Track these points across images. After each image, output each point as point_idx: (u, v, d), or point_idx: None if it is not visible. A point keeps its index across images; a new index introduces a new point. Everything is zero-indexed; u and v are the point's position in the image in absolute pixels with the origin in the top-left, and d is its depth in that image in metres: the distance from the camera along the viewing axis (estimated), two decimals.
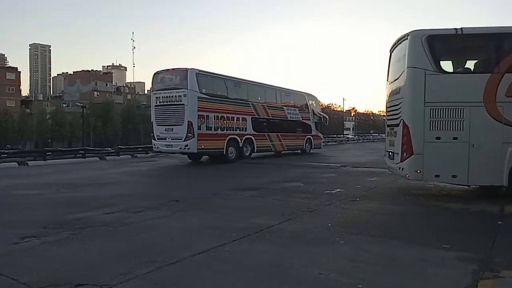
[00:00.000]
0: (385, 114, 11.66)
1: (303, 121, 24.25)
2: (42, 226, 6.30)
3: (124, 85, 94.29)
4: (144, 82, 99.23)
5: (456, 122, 8.49)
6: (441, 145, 8.51)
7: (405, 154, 8.88)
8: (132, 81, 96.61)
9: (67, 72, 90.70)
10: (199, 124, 16.59)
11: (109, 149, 25.42)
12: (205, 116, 16.91)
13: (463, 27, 8.64)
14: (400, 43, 9.49)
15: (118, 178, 13.27)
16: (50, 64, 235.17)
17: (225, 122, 18.09)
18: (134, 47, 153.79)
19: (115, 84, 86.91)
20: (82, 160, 21.50)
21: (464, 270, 4.39)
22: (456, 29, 8.66)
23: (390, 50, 10.38)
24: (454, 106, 8.51)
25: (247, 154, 19.60)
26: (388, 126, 10.48)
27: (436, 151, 8.54)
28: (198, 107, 16.51)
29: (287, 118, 22.71)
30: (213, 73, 18.29)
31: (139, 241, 5.58)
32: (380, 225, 6.68)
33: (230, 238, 5.61)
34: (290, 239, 5.67)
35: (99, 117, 67.41)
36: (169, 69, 17.81)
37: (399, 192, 10.19)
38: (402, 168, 9.10)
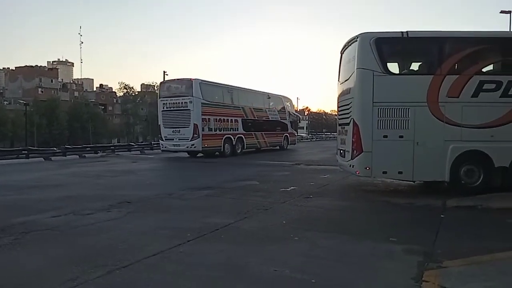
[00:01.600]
0: (336, 114, 12.02)
1: (281, 120, 27.20)
2: None
3: (71, 81, 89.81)
4: (92, 79, 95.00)
5: (402, 121, 8.93)
6: (388, 143, 8.92)
7: (355, 152, 9.22)
8: (79, 78, 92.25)
9: (8, 68, 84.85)
10: (202, 126, 19.26)
11: (55, 149, 24.05)
12: (207, 119, 19.63)
13: (409, 31, 9.09)
14: (350, 45, 9.82)
15: (65, 179, 12.64)
16: None
17: (222, 123, 20.87)
18: (82, 42, 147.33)
19: (61, 80, 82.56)
20: (25, 160, 20.24)
21: (410, 262, 4.62)
22: (402, 32, 9.10)
23: (341, 52, 10.71)
24: (400, 106, 8.94)
25: (238, 151, 22.02)
26: (340, 125, 10.82)
27: (384, 149, 8.94)
28: (201, 112, 19.23)
29: (269, 118, 25.76)
30: (211, 82, 21.28)
31: (88, 245, 5.35)
32: (332, 221, 6.90)
33: (185, 238, 5.53)
34: (245, 238, 5.69)
35: (44, 115, 63.74)
36: (174, 79, 20.89)
37: (350, 188, 10.56)
38: (353, 166, 9.43)
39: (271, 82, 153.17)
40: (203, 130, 19.31)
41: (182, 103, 19.45)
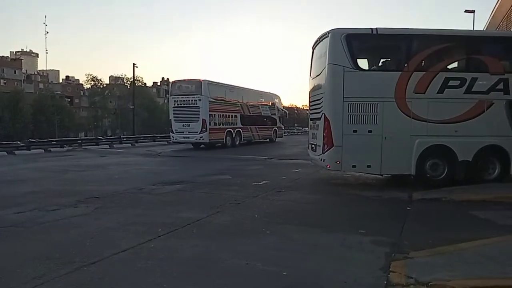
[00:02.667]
0: (308, 108, 12.16)
1: (271, 116, 29.72)
2: None
3: (36, 73, 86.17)
4: (58, 70, 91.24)
5: (371, 116, 9.15)
6: (357, 137, 9.11)
7: (326, 146, 9.36)
8: (44, 69, 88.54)
9: None
10: (209, 121, 21.67)
11: (19, 142, 23.10)
12: (213, 115, 22.10)
13: (378, 28, 9.29)
14: (322, 40, 9.92)
15: (29, 174, 12.18)
16: None
17: (224, 119, 23.36)
18: (47, 32, 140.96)
19: (25, 71, 79.04)
20: None
21: (378, 253, 4.76)
22: (371, 29, 9.28)
23: (313, 47, 10.81)
24: (369, 101, 9.15)
25: (237, 143, 24.34)
26: (311, 119, 10.95)
27: (353, 143, 9.13)
28: (209, 108, 21.67)
29: (261, 114, 28.30)
30: (217, 82, 23.65)
31: (55, 242, 5.20)
32: (303, 214, 6.99)
33: (156, 234, 5.46)
34: (218, 232, 5.68)
35: (7, 107, 60.86)
36: (185, 80, 23.01)
37: (321, 182, 10.74)
38: (324, 160, 9.58)
39: (242, 76, 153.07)
40: (209, 124, 21.71)
41: (192, 100, 21.82)
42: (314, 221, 6.47)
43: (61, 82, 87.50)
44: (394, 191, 9.01)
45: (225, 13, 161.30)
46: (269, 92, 30.68)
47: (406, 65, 9.30)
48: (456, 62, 9.95)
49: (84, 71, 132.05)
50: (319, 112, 9.84)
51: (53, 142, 24.37)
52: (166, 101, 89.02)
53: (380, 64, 10.32)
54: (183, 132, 22.08)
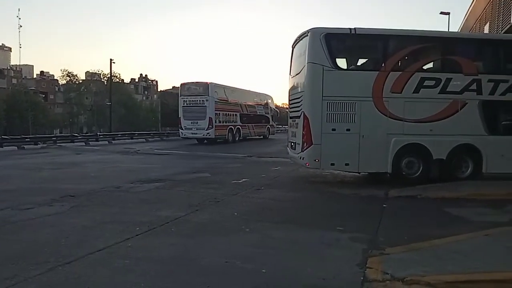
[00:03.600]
0: (287, 107, 12.23)
1: (265, 114, 32.22)
2: None
3: (9, 67, 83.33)
4: (32, 65, 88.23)
5: (349, 115, 9.28)
6: (336, 136, 9.23)
7: (305, 144, 9.45)
8: (18, 64, 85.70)
9: None
10: (215, 119, 24.24)
11: None
12: (218, 114, 24.69)
13: (357, 27, 9.43)
14: (301, 39, 9.99)
15: (1, 172, 11.80)
16: None
17: (227, 117, 25.95)
18: (21, 26, 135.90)
19: None
20: None
21: (356, 250, 4.85)
22: (350, 28, 9.40)
23: (292, 46, 10.87)
24: (347, 100, 9.28)
25: (236, 139, 26.85)
26: (291, 118, 11.02)
27: (332, 142, 9.25)
28: (214, 108, 24.26)
29: (257, 113, 30.86)
30: (221, 84, 26.23)
31: (28, 241, 5.06)
32: (282, 212, 7.04)
33: (133, 232, 5.39)
34: (196, 230, 5.65)
35: None
36: (193, 82, 25.44)
37: (300, 180, 10.82)
38: (303, 158, 9.66)
39: (222, 74, 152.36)
40: (215, 122, 24.28)
41: (200, 100, 24.43)
42: (293, 218, 6.52)
43: (35, 78, 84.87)
44: (371, 188, 9.18)
45: (207, 8, 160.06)
46: (263, 93, 33.49)
47: (383, 65, 9.47)
48: (432, 63, 10.21)
49: (59, 67, 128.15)
50: (298, 111, 9.91)
51: (26, 139, 23.65)
52: (144, 98, 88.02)
53: (358, 63, 10.48)
54: (192, 129, 24.70)
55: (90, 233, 5.42)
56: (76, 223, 5.93)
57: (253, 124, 29.55)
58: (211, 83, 24.70)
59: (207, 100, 24.18)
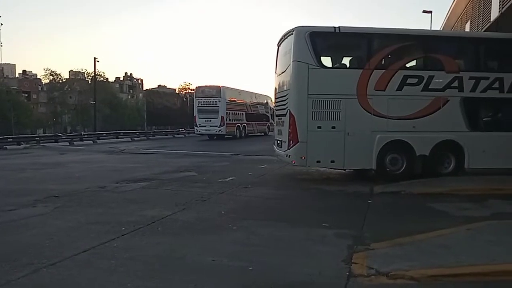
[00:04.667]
0: (274, 105, 12.27)
1: (266, 113, 35.22)
2: None
3: None
4: (14, 64, 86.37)
5: (334, 112, 9.37)
6: (321, 133, 9.31)
7: (291, 142, 9.50)
8: None
9: None
10: (226, 118, 27.67)
11: None
12: (228, 113, 28.10)
13: (341, 26, 9.50)
14: (287, 37, 10.03)
15: None
16: None
17: (235, 116, 29.39)
18: (1, 24, 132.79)
19: None
20: None
21: (341, 246, 4.90)
22: (334, 27, 9.48)
23: (278, 44, 10.90)
24: (333, 98, 9.36)
25: (242, 135, 30.23)
26: (277, 116, 11.07)
27: (318, 139, 9.32)
28: (226, 108, 27.75)
29: (259, 112, 34.27)
30: (231, 88, 30.15)
31: (11, 243, 4.98)
32: (269, 209, 7.08)
33: (119, 232, 5.35)
34: (183, 229, 5.64)
35: None
36: (207, 85, 29.19)
37: (286, 177, 10.88)
38: (289, 155, 9.72)
39: (209, 72, 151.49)
40: (226, 120, 27.69)
41: (213, 101, 27.91)
42: (280, 216, 6.56)
43: (17, 77, 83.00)
44: (357, 185, 9.29)
45: (194, 5, 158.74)
46: (264, 94, 36.86)
47: (367, 63, 9.57)
48: (414, 61, 10.36)
49: (42, 66, 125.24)
50: (284, 109, 9.96)
51: (9, 139, 23.14)
52: (129, 97, 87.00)
53: (342, 61, 10.56)
54: (206, 126, 28.15)
55: (74, 234, 5.36)
56: (60, 224, 5.86)
57: (256, 122, 32.81)
58: (223, 86, 28.61)
59: (219, 101, 27.75)
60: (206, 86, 29.35)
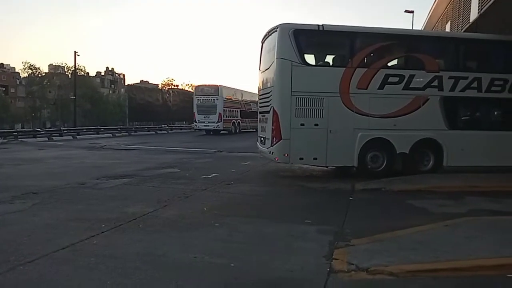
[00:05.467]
0: (258, 102, 12.27)
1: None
2: None
3: None
4: None
5: (317, 110, 9.43)
6: (305, 131, 9.36)
7: (274, 139, 9.53)
8: None
9: None
10: (223, 114, 30.25)
11: None
12: (225, 110, 30.63)
13: (324, 24, 9.55)
14: (271, 34, 10.03)
15: None
16: None
17: (231, 113, 31.76)
18: None
19: None
20: None
21: (322, 242, 4.95)
22: (318, 25, 9.52)
23: (262, 41, 10.89)
24: (316, 95, 9.42)
25: (237, 131, 32.47)
26: (260, 113, 11.08)
27: (301, 136, 9.37)
28: (223, 105, 30.39)
29: (252, 109, 34.37)
30: (228, 87, 32.45)
31: None
32: (252, 206, 7.09)
33: (99, 230, 5.27)
34: (165, 226, 5.60)
35: None
36: (206, 84, 32.05)
37: (269, 174, 10.91)
38: (272, 152, 9.74)
39: (193, 68, 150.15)
40: (223, 116, 30.20)
41: (211, 99, 30.48)
42: (262, 212, 6.58)
43: None
44: (338, 182, 9.39)
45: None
46: (256, 93, 37.75)
47: (349, 61, 9.66)
48: (396, 60, 10.50)
49: (20, 59, 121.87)
50: (268, 106, 9.96)
51: None
52: (110, 92, 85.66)
53: (326, 59, 10.63)
54: (204, 122, 30.74)
55: (53, 231, 5.25)
56: (39, 221, 5.74)
57: (249, 119, 33.97)
58: (220, 85, 31.16)
59: (217, 99, 30.31)
60: (205, 85, 31.98)
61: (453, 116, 10.03)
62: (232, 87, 33.67)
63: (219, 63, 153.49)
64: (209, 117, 30.37)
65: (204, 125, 30.94)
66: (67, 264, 4.13)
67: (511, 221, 6.08)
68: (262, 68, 10.90)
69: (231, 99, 31.97)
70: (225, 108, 30.55)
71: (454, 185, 8.74)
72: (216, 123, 30.22)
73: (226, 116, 30.86)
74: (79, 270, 3.99)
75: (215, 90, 30.84)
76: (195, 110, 31.38)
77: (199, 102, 31.13)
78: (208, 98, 30.80)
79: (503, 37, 10.54)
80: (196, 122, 31.46)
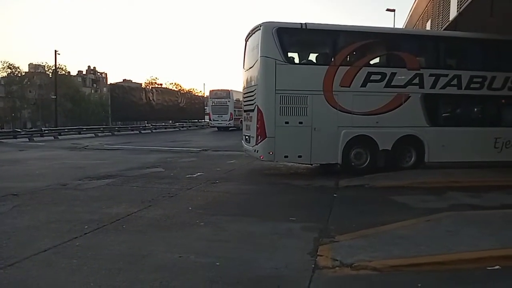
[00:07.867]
0: (242, 100, 12.26)
1: None
2: None
3: None
4: None
5: (301, 108, 9.48)
6: (289, 129, 9.40)
7: (259, 137, 9.54)
8: None
9: None
10: (234, 114, 34.54)
11: None
12: (235, 110, 33.90)
13: (307, 23, 9.60)
14: (254, 33, 10.02)
15: None
16: None
17: (240, 112, 33.88)
18: None
19: None
20: None
21: (307, 239, 4.99)
22: (301, 23, 9.56)
23: (246, 39, 10.88)
24: (300, 93, 9.46)
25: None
26: (245, 111, 11.08)
27: (285, 134, 9.41)
28: (234, 106, 34.43)
29: None
30: (237, 91, 32.60)
31: None
32: (237, 205, 7.09)
33: (82, 231, 5.19)
34: (149, 226, 5.55)
35: None
36: (219, 89, 37.22)
37: (254, 172, 10.92)
38: (257, 150, 9.76)
39: (177, 67, 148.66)
40: (234, 116, 34.41)
41: (224, 102, 35.69)
42: (248, 211, 6.59)
43: None
44: (323, 179, 9.46)
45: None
46: None
47: (332, 59, 9.74)
48: (378, 58, 10.63)
49: None
50: (252, 104, 9.97)
51: None
52: (92, 91, 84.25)
53: (309, 58, 10.68)
54: (218, 120, 36.01)
55: (34, 234, 5.15)
56: (19, 223, 5.62)
57: None
58: (231, 90, 35.68)
59: (228, 101, 35.44)
60: (218, 90, 37.44)
61: (434, 113, 10.21)
62: (240, 91, 35.65)
63: (203, 61, 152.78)
64: (222, 116, 35.77)
65: (218, 123, 36.18)
66: (48, 267, 4.06)
67: (490, 215, 6.23)
68: (246, 67, 10.89)
69: (239, 100, 33.34)
70: (235, 109, 34.14)
71: (436, 181, 8.91)
72: (228, 121, 35.34)
73: (236, 115, 34.11)
74: (61, 273, 3.92)
75: (227, 94, 36.07)
76: (209, 110, 37.63)
77: (213, 104, 36.62)
78: (221, 101, 36.11)
79: (482, 35, 10.78)
80: (211, 121, 37.15)
